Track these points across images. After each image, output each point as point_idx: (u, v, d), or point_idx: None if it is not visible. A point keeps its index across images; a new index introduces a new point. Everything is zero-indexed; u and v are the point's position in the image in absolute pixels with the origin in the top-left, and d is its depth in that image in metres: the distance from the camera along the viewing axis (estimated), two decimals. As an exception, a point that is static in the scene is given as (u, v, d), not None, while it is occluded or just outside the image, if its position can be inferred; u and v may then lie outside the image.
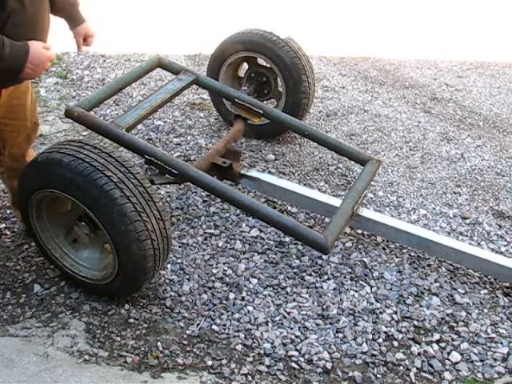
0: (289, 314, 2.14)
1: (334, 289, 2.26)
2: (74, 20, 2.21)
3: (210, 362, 1.94)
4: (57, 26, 2.15)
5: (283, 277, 2.31)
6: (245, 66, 3.26)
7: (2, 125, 2.11)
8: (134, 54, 4.37)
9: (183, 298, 2.19)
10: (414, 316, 2.14)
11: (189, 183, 2.50)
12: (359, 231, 2.56)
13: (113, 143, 2.43)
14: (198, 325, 2.08)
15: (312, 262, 2.39)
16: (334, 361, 1.97)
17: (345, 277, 2.32)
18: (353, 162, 3.00)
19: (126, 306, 2.13)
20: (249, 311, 2.14)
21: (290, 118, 2.79)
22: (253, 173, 2.58)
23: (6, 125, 2.11)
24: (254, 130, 3.15)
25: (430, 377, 1.93)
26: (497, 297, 2.25)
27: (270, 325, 2.09)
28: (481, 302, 2.22)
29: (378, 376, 1.92)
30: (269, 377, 1.90)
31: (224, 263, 2.37)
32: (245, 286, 2.26)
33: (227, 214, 2.65)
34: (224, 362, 1.94)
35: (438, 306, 2.19)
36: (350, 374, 1.92)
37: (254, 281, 2.28)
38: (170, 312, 2.13)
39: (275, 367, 1.93)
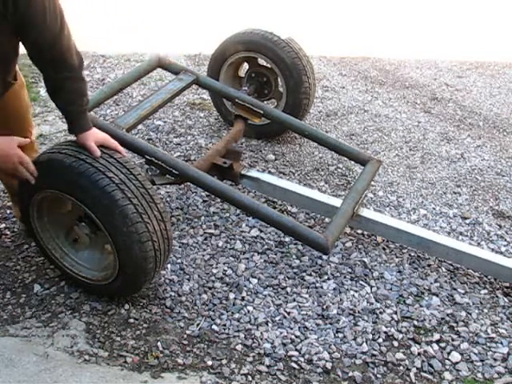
0: (289, 313, 2.14)
1: (334, 289, 2.26)
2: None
3: (209, 362, 1.94)
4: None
5: (283, 277, 2.31)
6: (245, 66, 3.26)
7: None
8: (134, 54, 4.37)
9: (183, 298, 2.19)
10: (414, 316, 2.15)
11: (189, 183, 2.50)
12: (359, 231, 2.56)
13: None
14: (198, 325, 2.08)
15: (312, 262, 2.39)
16: (334, 361, 1.97)
17: (345, 277, 2.32)
18: (353, 162, 3.01)
19: (126, 306, 2.14)
20: (249, 311, 2.15)
21: (290, 118, 2.79)
22: (253, 173, 2.58)
23: None
24: (254, 130, 3.15)
25: (429, 377, 1.93)
26: (497, 297, 2.25)
27: (269, 325, 2.09)
28: (481, 302, 2.22)
29: (378, 376, 1.92)
30: (269, 377, 1.90)
31: (224, 263, 2.37)
32: (245, 285, 2.26)
33: (227, 214, 2.65)
34: (224, 362, 1.94)
35: (438, 306, 2.19)
36: (350, 374, 1.92)
37: (254, 281, 2.29)
38: (170, 312, 2.13)
39: (275, 367, 1.93)
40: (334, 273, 2.34)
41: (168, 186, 2.79)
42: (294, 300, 2.21)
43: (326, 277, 2.32)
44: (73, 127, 1.92)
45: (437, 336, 2.06)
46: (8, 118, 2.06)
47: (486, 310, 2.19)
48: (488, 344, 2.05)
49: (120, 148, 2.00)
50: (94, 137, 1.93)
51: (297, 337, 2.05)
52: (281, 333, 2.06)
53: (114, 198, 1.82)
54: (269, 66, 3.08)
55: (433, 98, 3.94)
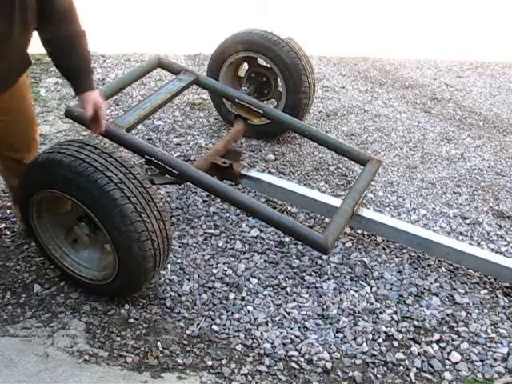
0: (289, 313, 2.14)
1: (334, 289, 2.26)
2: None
3: (209, 362, 1.94)
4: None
5: (283, 277, 2.31)
6: (245, 66, 3.26)
7: None
8: (134, 54, 4.37)
9: (183, 298, 2.19)
10: (414, 316, 2.14)
11: (189, 183, 2.50)
12: (359, 231, 2.56)
13: (113, 143, 2.43)
14: (198, 325, 2.08)
15: (312, 262, 2.39)
16: (334, 361, 1.97)
17: (345, 277, 2.32)
18: (353, 162, 3.00)
19: (126, 306, 2.13)
20: (249, 311, 2.14)
21: (290, 118, 2.79)
22: (253, 173, 2.58)
23: None
24: (254, 130, 3.15)
25: (430, 377, 1.93)
26: (497, 297, 2.25)
27: (270, 325, 2.09)
28: (481, 302, 2.22)
29: (378, 376, 1.92)
30: (269, 377, 1.90)
31: (224, 263, 2.37)
32: (245, 285, 2.26)
33: (227, 214, 2.65)
34: (224, 362, 1.94)
35: (438, 306, 2.19)
36: (350, 373, 1.92)
37: (254, 281, 2.29)
38: (170, 312, 2.13)
39: (275, 367, 1.93)
40: (334, 273, 2.34)
41: (168, 185, 2.78)
42: (294, 300, 2.20)
43: (326, 277, 2.32)
44: (76, 86, 1.98)
45: (437, 336, 2.06)
46: (17, 116, 2.10)
47: (485, 310, 2.19)
48: (488, 344, 2.05)
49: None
50: (95, 100, 2.00)
51: (297, 337, 2.05)
52: (281, 333, 2.06)
53: (112, 197, 1.82)
54: (268, 65, 3.08)
55: (433, 98, 3.94)
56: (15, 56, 1.89)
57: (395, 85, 4.14)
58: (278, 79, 3.10)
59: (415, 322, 2.12)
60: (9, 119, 2.08)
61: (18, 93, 2.06)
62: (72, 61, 1.94)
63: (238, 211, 2.64)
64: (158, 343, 1.99)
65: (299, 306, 2.18)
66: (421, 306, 2.19)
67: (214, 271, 2.33)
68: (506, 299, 2.24)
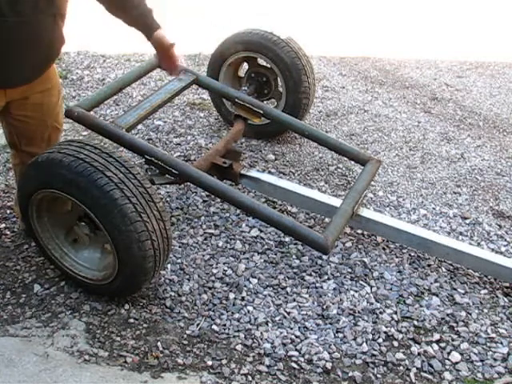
0: (289, 313, 2.14)
1: (334, 289, 2.26)
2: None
3: (209, 362, 1.94)
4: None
5: (283, 277, 2.31)
6: (245, 66, 3.26)
7: (16, 121, 2.10)
8: (134, 54, 4.37)
9: (183, 298, 2.19)
10: (414, 316, 2.14)
11: (189, 183, 2.50)
12: (359, 231, 2.56)
13: (113, 143, 2.43)
14: (198, 325, 2.08)
15: (312, 262, 2.39)
16: (334, 361, 1.97)
17: (345, 277, 2.32)
18: (353, 162, 3.00)
19: (126, 306, 2.13)
20: (249, 311, 2.14)
21: (290, 118, 2.79)
22: (253, 173, 2.57)
23: (19, 121, 2.11)
24: (254, 130, 3.15)
25: (429, 377, 1.93)
26: (497, 297, 2.25)
27: (270, 325, 2.09)
28: (481, 302, 2.22)
29: (378, 376, 1.92)
30: (269, 377, 1.90)
31: (224, 263, 2.37)
32: (245, 286, 2.26)
33: (227, 214, 2.65)
34: (224, 362, 1.94)
35: (438, 305, 2.19)
36: (350, 373, 1.92)
37: (254, 281, 2.29)
38: (170, 312, 2.13)
39: (275, 367, 1.93)
40: (334, 273, 2.34)
41: (168, 185, 2.78)
42: (294, 300, 2.20)
43: (326, 277, 2.32)
44: (149, 28, 2.25)
45: (437, 336, 2.06)
46: (45, 113, 2.15)
47: (485, 310, 2.19)
48: (488, 344, 2.05)
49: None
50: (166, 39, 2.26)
51: (297, 337, 2.05)
52: (281, 333, 2.06)
53: (112, 197, 1.82)
54: (268, 65, 3.08)
55: (433, 98, 3.94)
56: (43, 38, 1.90)
57: (395, 85, 4.14)
58: (278, 79, 3.10)
59: (415, 322, 2.12)
60: (36, 116, 2.11)
61: (51, 90, 2.10)
62: (133, 11, 2.20)
63: (238, 211, 2.64)
64: (158, 343, 1.99)
65: (299, 306, 2.18)
66: (421, 306, 2.19)
67: (214, 271, 2.33)
68: (506, 299, 2.24)
